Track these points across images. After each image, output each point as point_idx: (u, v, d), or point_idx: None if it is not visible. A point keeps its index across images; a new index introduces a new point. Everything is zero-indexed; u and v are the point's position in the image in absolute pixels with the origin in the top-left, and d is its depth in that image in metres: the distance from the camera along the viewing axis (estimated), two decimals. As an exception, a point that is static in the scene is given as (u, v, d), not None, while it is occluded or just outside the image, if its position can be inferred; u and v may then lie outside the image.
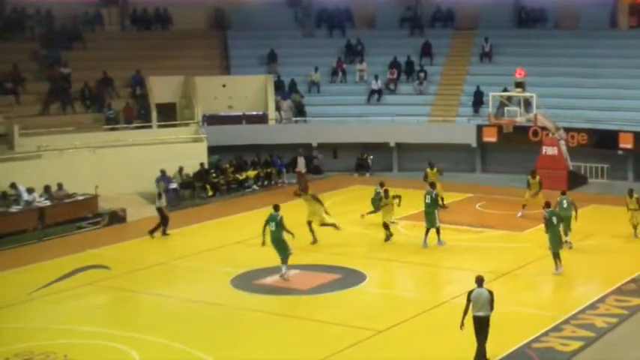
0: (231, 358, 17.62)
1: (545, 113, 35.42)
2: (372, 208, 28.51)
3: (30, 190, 28.93)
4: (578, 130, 36.55)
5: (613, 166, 36.60)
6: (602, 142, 36.28)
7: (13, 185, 29.24)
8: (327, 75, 42.72)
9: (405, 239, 26.82)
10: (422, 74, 41.99)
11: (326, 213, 26.47)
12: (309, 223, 26.11)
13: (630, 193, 26.35)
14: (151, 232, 27.49)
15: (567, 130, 36.17)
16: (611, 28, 43.56)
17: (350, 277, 22.81)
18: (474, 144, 38.67)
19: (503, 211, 30.42)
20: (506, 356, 17.02)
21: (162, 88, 39.02)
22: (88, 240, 27.49)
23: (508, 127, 35.99)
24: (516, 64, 37.16)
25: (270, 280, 22.38)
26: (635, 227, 26.21)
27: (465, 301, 16.37)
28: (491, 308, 16.29)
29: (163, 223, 27.69)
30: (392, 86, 42.06)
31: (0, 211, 28.15)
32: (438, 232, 25.79)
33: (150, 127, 37.65)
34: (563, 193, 26.04)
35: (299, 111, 40.69)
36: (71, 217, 29.18)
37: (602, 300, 20.57)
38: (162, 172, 32.68)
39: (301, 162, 35.24)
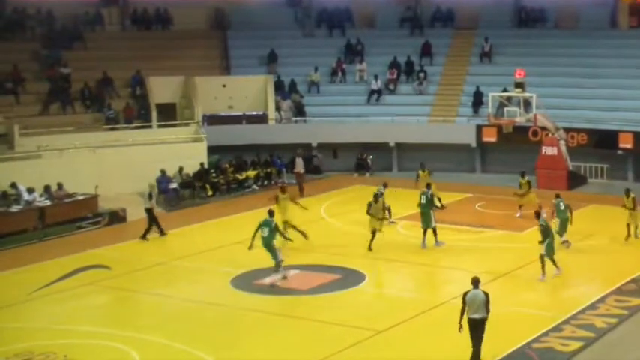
0: (231, 358, 17.63)
1: (545, 113, 35.40)
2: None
3: (30, 190, 28.95)
4: (578, 131, 36.53)
5: (613, 166, 36.59)
6: (602, 142, 36.26)
7: (13, 185, 29.26)
8: (327, 75, 42.72)
9: (404, 239, 26.83)
10: (422, 74, 41.97)
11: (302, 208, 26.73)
12: (286, 223, 25.93)
13: (627, 192, 26.32)
14: (143, 236, 27.26)
15: (567, 130, 36.16)
16: (611, 28, 43.53)
17: (350, 277, 22.83)
18: (474, 144, 38.66)
19: (503, 211, 30.41)
20: (506, 356, 17.03)
21: (162, 88, 39.03)
22: (89, 240, 27.49)
23: (508, 128, 35.96)
24: (516, 64, 37.12)
25: (270, 280, 22.36)
26: (628, 227, 26.05)
27: (460, 303, 16.36)
28: (487, 310, 16.18)
29: (151, 224, 27.49)
30: (392, 86, 42.05)
31: (0, 210, 28.18)
32: (434, 232, 25.79)
33: (150, 127, 37.64)
34: (558, 196, 25.91)
35: (299, 111, 40.68)
36: (71, 217, 29.19)
37: (601, 300, 20.59)
38: (163, 172, 32.74)
39: (299, 163, 35.07)
